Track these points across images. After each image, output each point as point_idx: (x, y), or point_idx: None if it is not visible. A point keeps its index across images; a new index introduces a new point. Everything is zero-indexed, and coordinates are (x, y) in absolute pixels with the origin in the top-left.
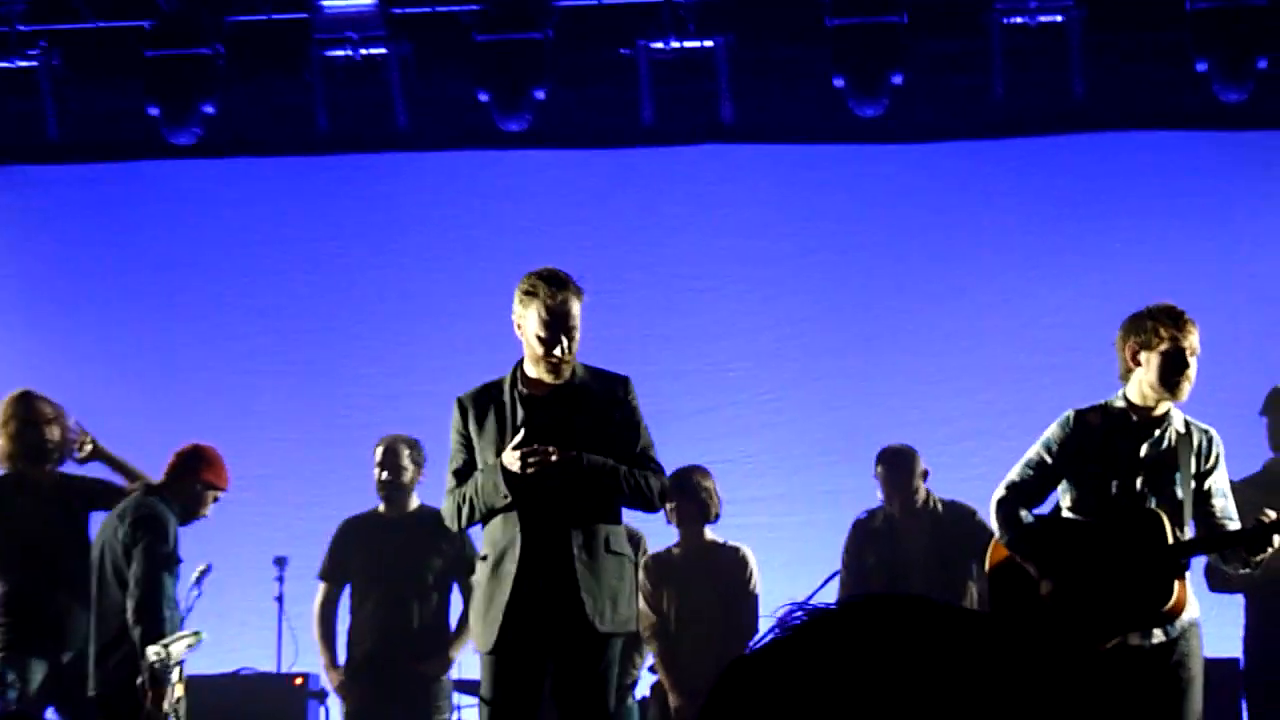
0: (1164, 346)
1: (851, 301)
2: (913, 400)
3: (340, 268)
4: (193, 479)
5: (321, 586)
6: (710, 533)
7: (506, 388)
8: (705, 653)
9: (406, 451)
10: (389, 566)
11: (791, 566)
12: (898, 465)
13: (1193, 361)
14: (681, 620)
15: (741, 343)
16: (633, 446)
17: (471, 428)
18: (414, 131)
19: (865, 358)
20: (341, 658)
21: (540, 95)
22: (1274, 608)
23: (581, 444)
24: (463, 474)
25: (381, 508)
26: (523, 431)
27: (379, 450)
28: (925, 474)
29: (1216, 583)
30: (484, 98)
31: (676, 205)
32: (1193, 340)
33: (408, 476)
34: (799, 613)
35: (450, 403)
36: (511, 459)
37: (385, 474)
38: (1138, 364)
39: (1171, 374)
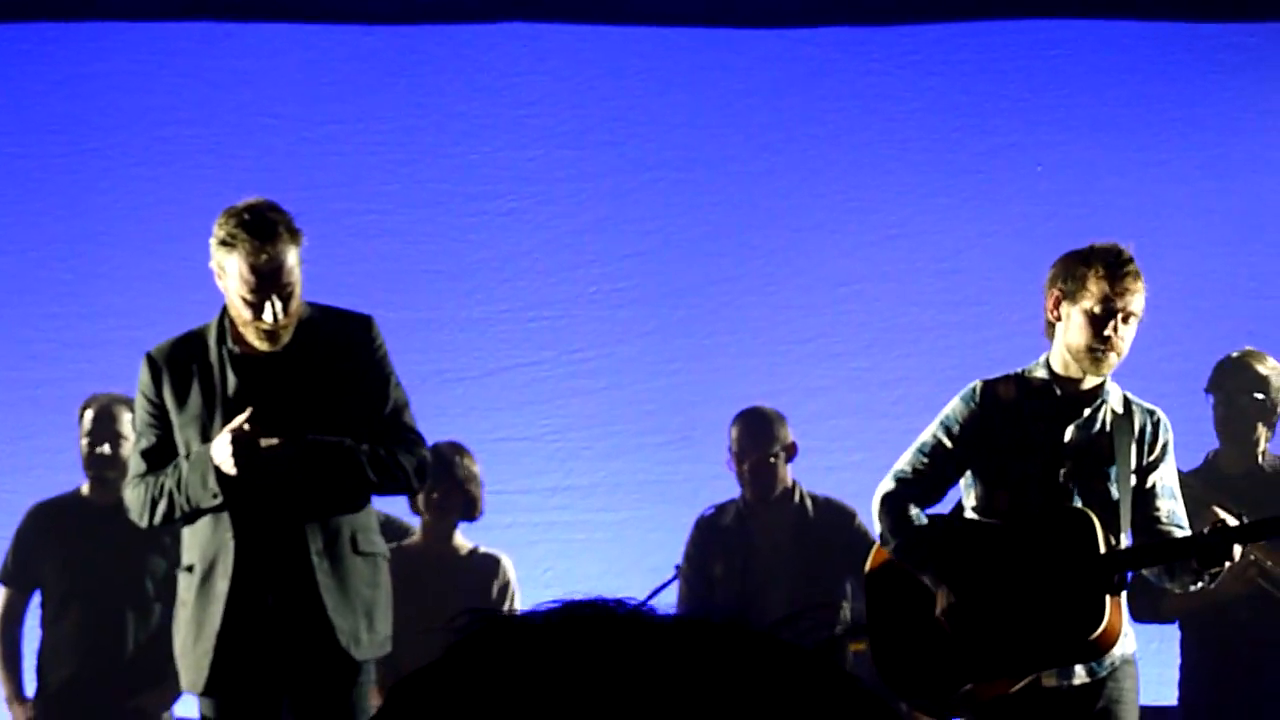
0: (1089, 302)
1: (693, 233)
2: (770, 364)
3: (24, 158)
4: None
5: (1, 593)
6: (461, 535)
7: (212, 343)
8: None
9: (127, 416)
10: (97, 568)
11: (608, 578)
12: (756, 430)
13: (1128, 325)
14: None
15: (547, 284)
16: (379, 408)
17: (167, 395)
18: None
19: (708, 307)
20: (30, 687)
21: None
22: (1219, 639)
23: (313, 412)
24: (153, 457)
25: (86, 490)
26: (245, 414)
27: (88, 414)
28: (792, 449)
29: (1144, 610)
30: None
31: (465, 99)
32: (1132, 298)
33: (127, 449)
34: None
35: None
36: (224, 454)
37: (101, 446)
38: (1058, 319)
39: (1094, 338)
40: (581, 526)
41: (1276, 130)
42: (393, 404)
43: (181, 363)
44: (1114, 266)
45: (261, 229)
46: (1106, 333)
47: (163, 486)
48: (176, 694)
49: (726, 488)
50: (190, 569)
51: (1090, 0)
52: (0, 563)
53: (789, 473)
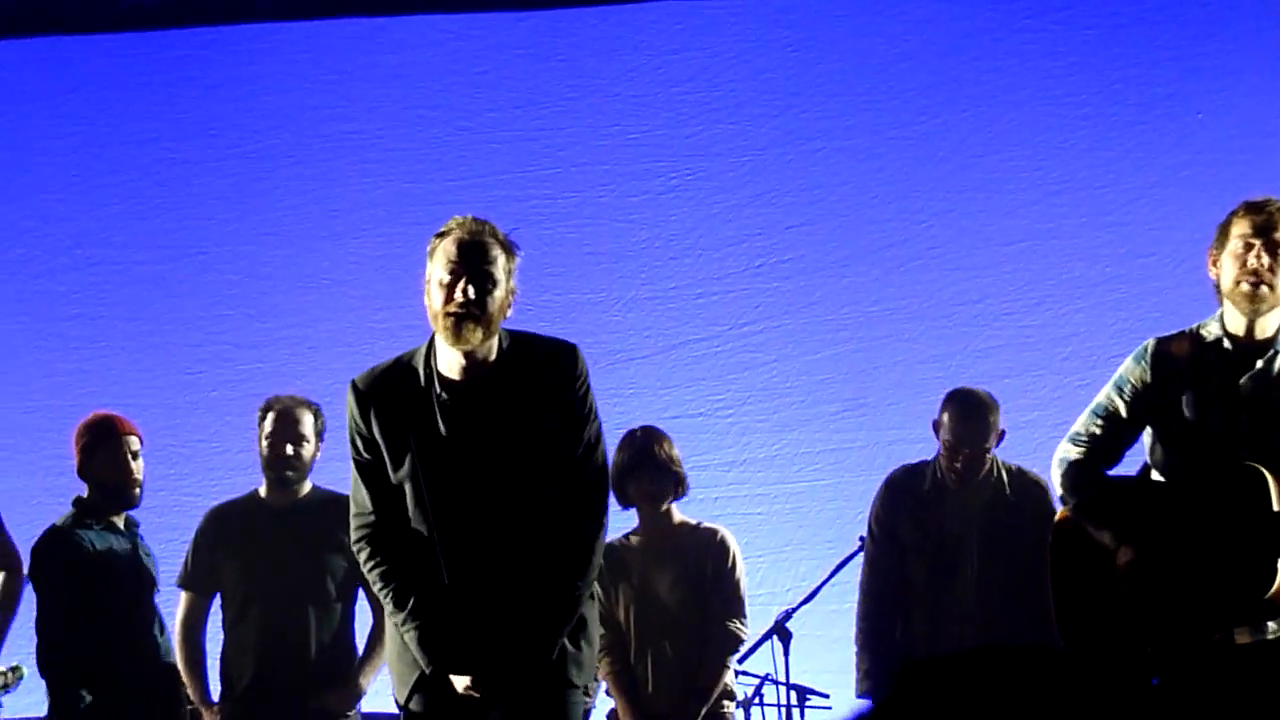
0: (1233, 243)
1: (855, 201)
2: (939, 327)
3: (186, 164)
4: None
5: (183, 597)
6: (680, 512)
7: (421, 378)
8: (673, 670)
9: (309, 419)
10: (277, 570)
11: (789, 549)
12: (973, 415)
13: (1277, 258)
14: (642, 628)
15: (713, 260)
16: (570, 449)
17: (376, 430)
18: None
19: (874, 274)
20: (216, 690)
21: None
22: None
23: (511, 460)
24: (372, 482)
25: (264, 491)
26: (465, 685)
27: (269, 417)
28: (1002, 435)
29: None
30: None
31: (624, 81)
32: (1278, 230)
33: (309, 451)
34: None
35: (335, 364)
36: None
37: (286, 446)
38: (1217, 276)
39: (1239, 269)
40: (759, 500)
41: None
42: (584, 444)
43: (390, 398)
44: (1256, 205)
45: (475, 223)
46: (1251, 263)
47: (398, 611)
48: (360, 693)
49: (903, 453)
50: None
51: None
52: (180, 567)
53: (994, 454)
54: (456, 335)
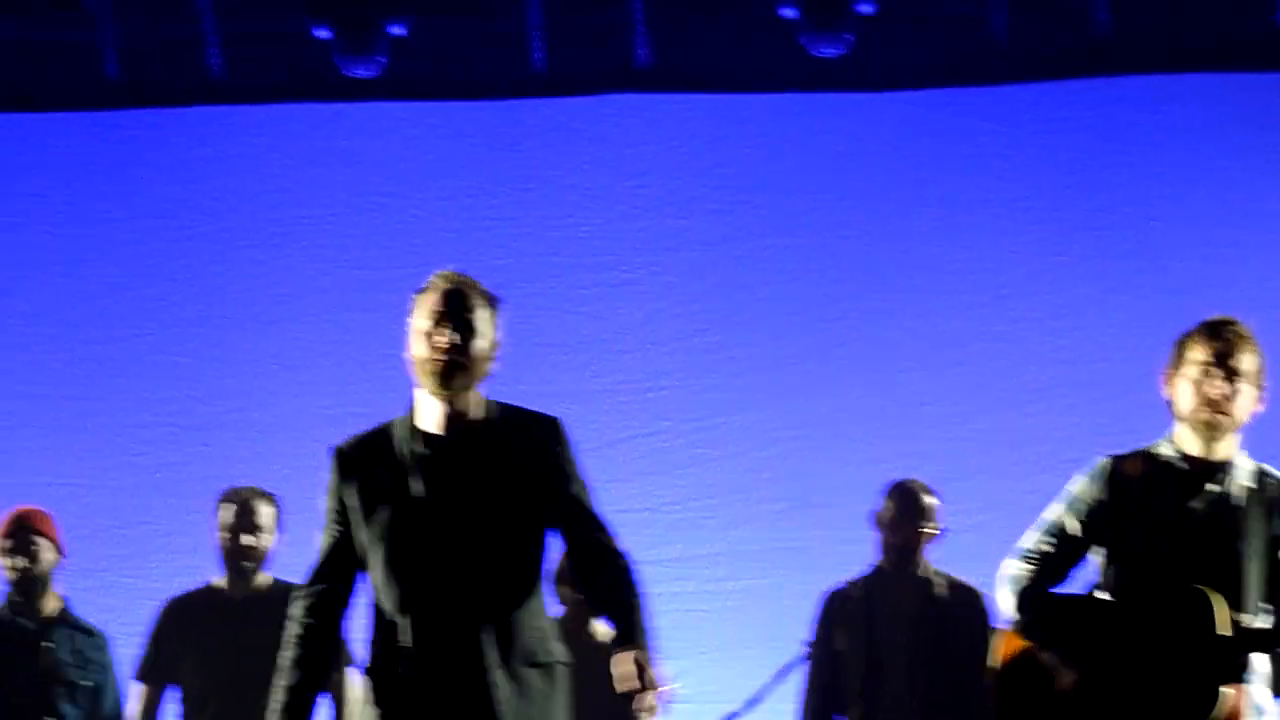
0: (1191, 368)
1: (806, 299)
2: (887, 427)
3: (137, 244)
4: None
5: (139, 691)
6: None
7: (399, 440)
8: None
9: (267, 510)
10: (236, 662)
11: (732, 648)
12: (914, 507)
13: (1235, 385)
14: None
15: (665, 353)
16: (581, 503)
17: (354, 491)
18: (230, 79)
19: (824, 373)
20: None
21: (397, 31)
22: None
23: (500, 506)
24: (330, 554)
25: (222, 582)
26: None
27: (227, 509)
28: (942, 532)
29: None
30: (323, 35)
31: (578, 173)
32: (1238, 357)
33: (266, 542)
34: None
35: (282, 448)
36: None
37: (242, 537)
38: (1172, 396)
39: (1197, 398)
40: (705, 597)
41: None
42: (590, 497)
43: (369, 460)
44: (1215, 327)
45: (457, 275)
46: (1210, 392)
47: (282, 677)
48: None
49: (850, 554)
50: (372, 669)
51: (1203, 54)
52: (138, 658)
53: (925, 555)
54: (439, 380)
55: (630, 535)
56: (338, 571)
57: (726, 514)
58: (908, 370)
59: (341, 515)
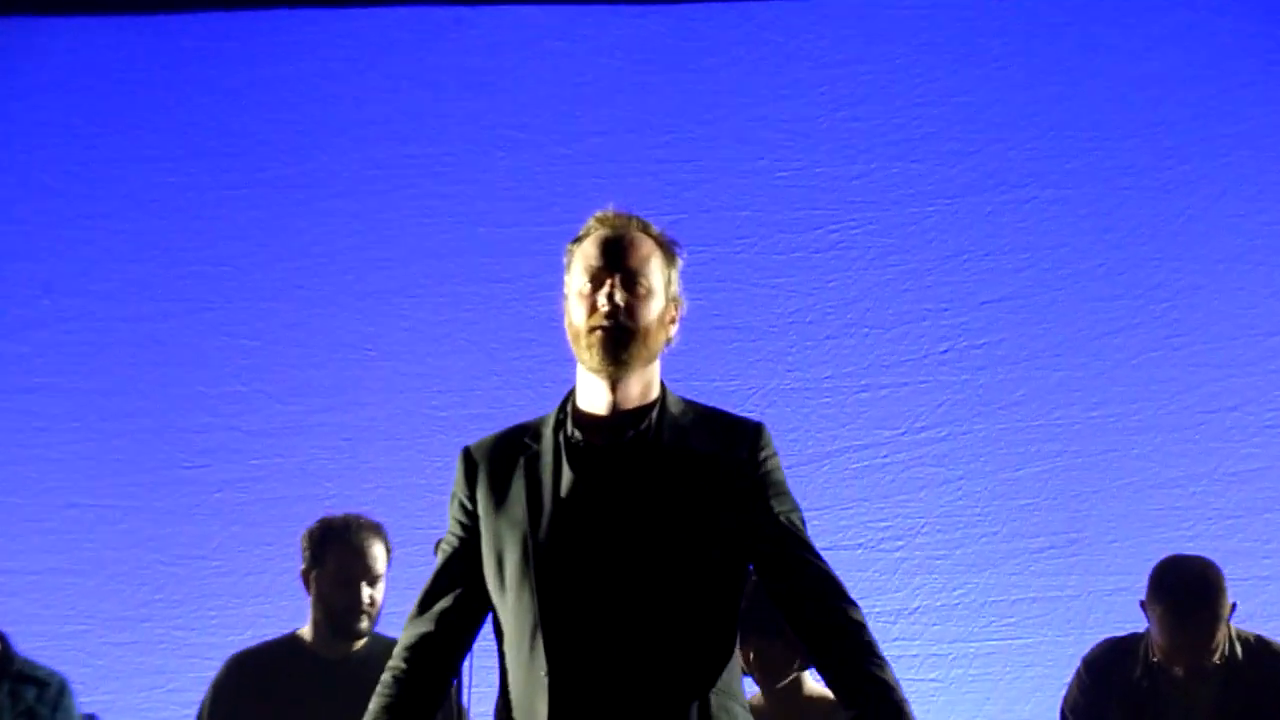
0: None
1: (1080, 268)
2: (1178, 440)
3: (187, 186)
4: None
5: None
6: (813, 680)
7: (548, 432)
8: None
9: (382, 552)
10: None
11: None
12: (1193, 607)
13: None
14: None
15: (883, 342)
16: (796, 531)
17: (481, 496)
18: None
19: (1100, 367)
20: None
21: None
22: None
23: (684, 522)
24: (446, 573)
25: (310, 636)
26: None
27: (343, 552)
28: (1232, 608)
29: None
30: None
31: (772, 95)
32: None
33: (382, 594)
34: None
35: (377, 460)
36: None
37: (363, 591)
38: None
39: None
40: (933, 663)
41: None
42: (793, 533)
43: (505, 460)
44: None
45: (621, 217)
46: None
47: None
48: None
49: (1125, 607)
50: None
51: None
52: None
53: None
54: (605, 353)
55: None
56: (453, 600)
57: (965, 554)
58: (1209, 365)
59: (467, 530)
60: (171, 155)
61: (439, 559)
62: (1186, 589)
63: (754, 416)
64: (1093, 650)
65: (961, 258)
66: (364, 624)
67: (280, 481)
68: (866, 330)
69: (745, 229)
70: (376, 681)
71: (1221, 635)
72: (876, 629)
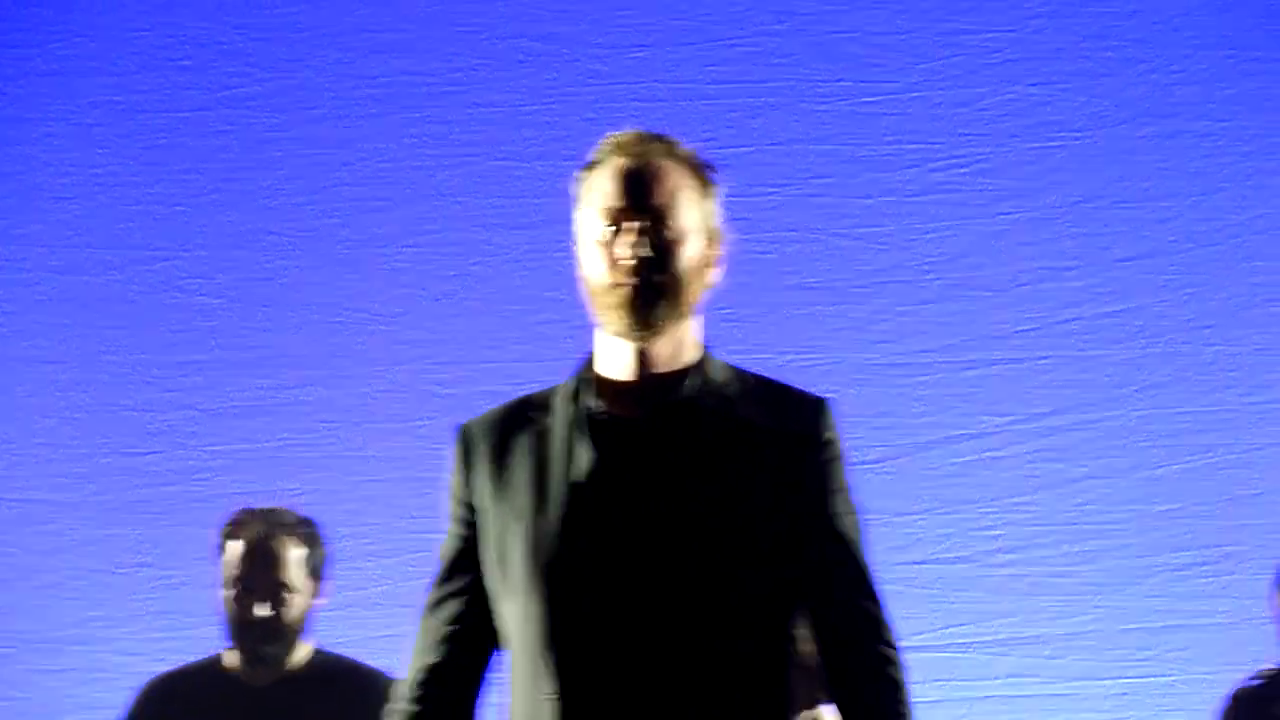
0: None
1: None
2: None
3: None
4: None
5: None
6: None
7: (558, 402)
8: None
9: (297, 552)
10: None
11: None
12: None
13: None
14: None
15: (992, 306)
16: (845, 545)
17: (482, 482)
18: None
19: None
20: None
21: None
22: None
23: (703, 525)
24: (448, 583)
25: (233, 662)
26: None
27: (233, 548)
28: None
29: None
30: None
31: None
32: None
33: (299, 604)
34: None
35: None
36: None
37: (256, 603)
38: None
39: None
40: (1055, 704)
41: None
42: (844, 546)
43: (510, 436)
44: None
45: (643, 140)
46: None
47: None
48: None
49: None
50: None
51: None
52: None
53: None
54: (631, 317)
55: (927, 601)
56: (462, 616)
57: (1095, 571)
58: None
59: (468, 525)
60: (110, 63)
61: (439, 565)
62: None
63: (833, 397)
64: (1241, 685)
65: (1094, 204)
66: (266, 649)
67: (247, 472)
68: (974, 294)
69: (823, 166)
70: (314, 710)
71: None
72: (980, 662)
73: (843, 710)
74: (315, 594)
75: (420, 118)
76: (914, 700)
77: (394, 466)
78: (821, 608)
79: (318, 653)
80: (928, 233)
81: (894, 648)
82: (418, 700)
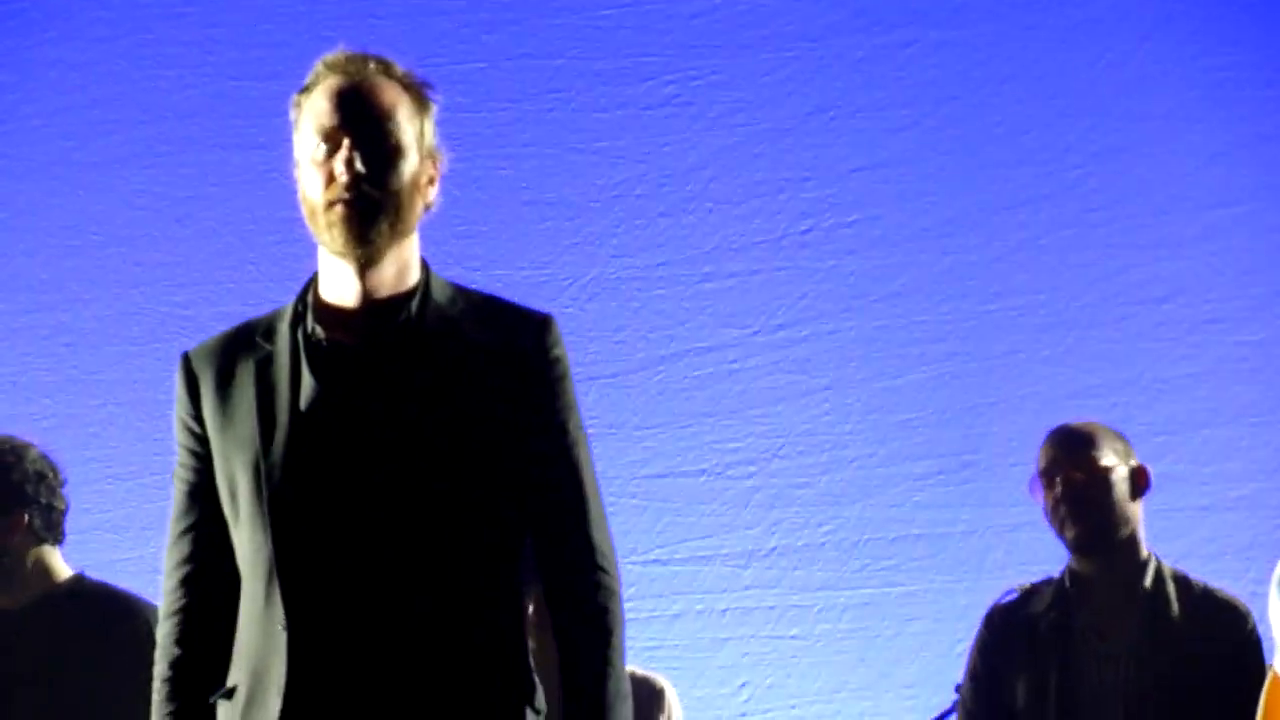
0: None
1: (972, 124)
2: (1094, 341)
3: None
4: None
5: None
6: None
7: (283, 327)
8: None
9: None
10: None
11: (837, 698)
12: (1074, 442)
13: None
14: None
15: (731, 219)
16: (566, 472)
17: (207, 411)
18: None
19: (999, 249)
20: None
21: None
22: None
23: (430, 453)
24: (186, 516)
25: None
26: None
27: None
28: (1141, 477)
29: None
30: None
31: None
32: None
33: (16, 537)
34: None
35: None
36: None
37: None
38: None
39: None
40: (793, 617)
41: None
42: (581, 485)
43: (232, 364)
44: None
45: (356, 61)
46: None
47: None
48: None
49: (1029, 545)
50: (231, 694)
51: None
52: None
53: (1139, 524)
54: (349, 231)
55: (668, 515)
56: (203, 550)
57: (830, 481)
58: (1134, 248)
59: (199, 457)
60: None
61: (175, 498)
62: (1067, 434)
63: (570, 313)
64: (994, 605)
65: (827, 115)
66: None
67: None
68: (710, 206)
69: (558, 80)
70: (71, 632)
71: (1132, 515)
72: (723, 574)
73: (555, 631)
74: (47, 526)
75: (153, 39)
76: (627, 618)
77: (133, 389)
78: (540, 528)
79: (78, 578)
80: (664, 146)
81: (607, 572)
82: (178, 644)
